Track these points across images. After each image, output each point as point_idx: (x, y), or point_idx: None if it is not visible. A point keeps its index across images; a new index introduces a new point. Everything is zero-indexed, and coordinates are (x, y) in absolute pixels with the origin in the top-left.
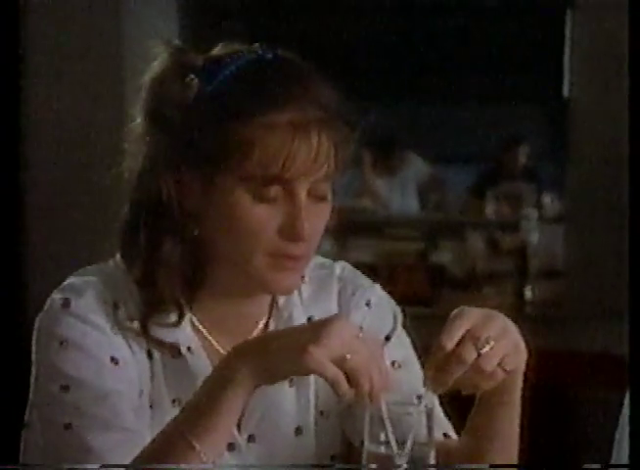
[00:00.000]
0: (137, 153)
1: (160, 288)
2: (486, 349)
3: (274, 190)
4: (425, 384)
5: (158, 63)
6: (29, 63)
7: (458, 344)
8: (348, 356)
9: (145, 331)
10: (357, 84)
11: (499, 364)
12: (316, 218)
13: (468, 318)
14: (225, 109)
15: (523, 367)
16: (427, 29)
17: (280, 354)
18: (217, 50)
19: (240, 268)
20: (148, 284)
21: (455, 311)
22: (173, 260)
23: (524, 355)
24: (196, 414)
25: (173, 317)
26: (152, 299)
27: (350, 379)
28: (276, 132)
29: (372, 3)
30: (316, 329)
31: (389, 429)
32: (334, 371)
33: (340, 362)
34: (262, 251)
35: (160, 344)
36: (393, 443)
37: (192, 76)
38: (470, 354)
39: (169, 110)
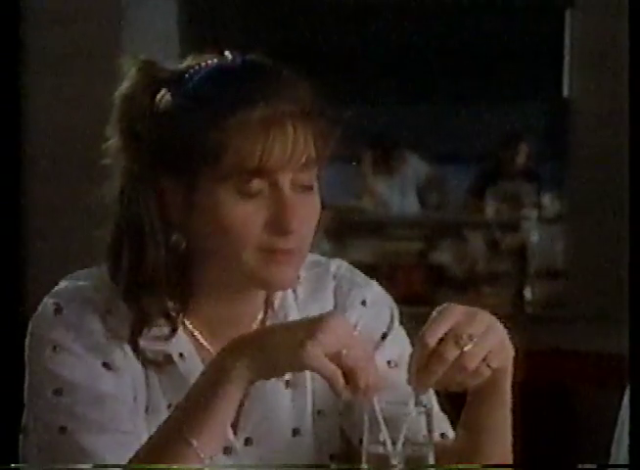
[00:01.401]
0: (116, 170)
1: (148, 305)
2: (469, 346)
3: (256, 185)
4: (409, 383)
5: (127, 78)
6: (29, 65)
7: (440, 342)
8: (345, 352)
9: (135, 347)
10: (357, 84)
11: (484, 361)
12: (304, 211)
13: (451, 315)
14: (197, 114)
15: (510, 364)
16: (426, 29)
17: (277, 350)
18: (187, 61)
19: (232, 267)
20: (135, 301)
21: (439, 308)
22: (160, 276)
23: (510, 352)
24: (192, 410)
25: (165, 330)
26: (140, 316)
27: (346, 375)
28: (250, 128)
29: (373, 3)
30: (312, 325)
31: (384, 429)
32: (331, 368)
33: (336, 358)
34: (252, 247)
35: (152, 353)
36: (389, 442)
37: (162, 90)
38: (451, 353)
39: (142, 124)
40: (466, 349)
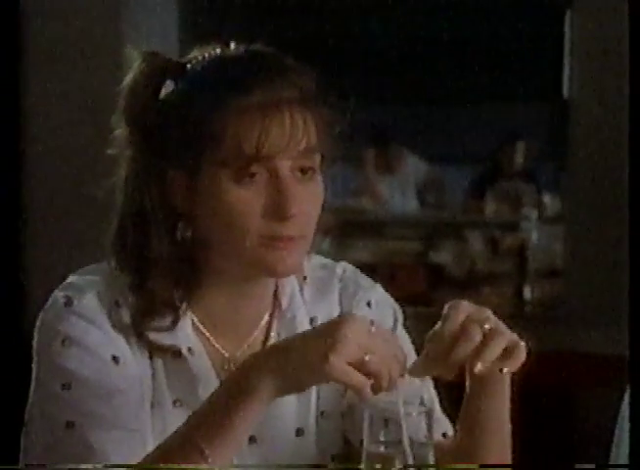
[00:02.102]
0: (122, 159)
1: (152, 293)
2: (489, 325)
3: (256, 171)
4: (411, 372)
5: (132, 70)
6: (29, 60)
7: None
8: (367, 358)
9: (141, 337)
10: (357, 83)
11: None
12: (304, 197)
13: (464, 307)
14: (200, 101)
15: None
16: (426, 29)
17: (300, 366)
18: (193, 53)
19: (235, 254)
20: (140, 290)
21: (448, 304)
22: (164, 263)
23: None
24: (211, 422)
25: (168, 321)
26: (144, 304)
27: (371, 377)
28: (248, 113)
29: (373, 3)
30: (331, 335)
31: (404, 428)
32: (357, 378)
33: (359, 365)
34: (252, 233)
35: (160, 347)
36: (406, 441)
37: (166, 80)
38: (477, 333)
39: (147, 113)
40: (487, 326)
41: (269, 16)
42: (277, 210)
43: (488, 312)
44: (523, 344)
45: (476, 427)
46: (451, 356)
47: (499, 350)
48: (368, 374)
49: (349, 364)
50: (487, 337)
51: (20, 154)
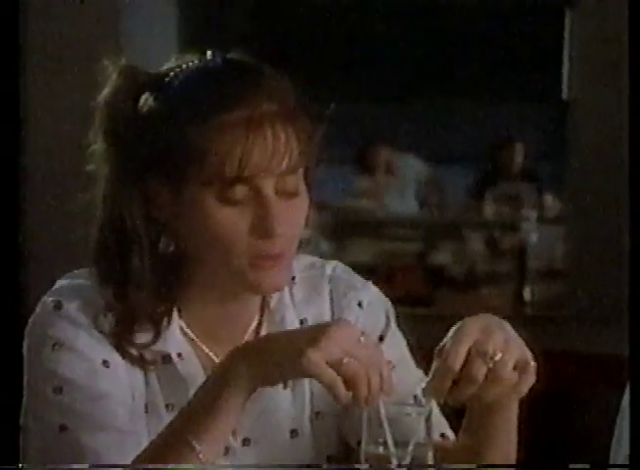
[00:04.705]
0: (100, 174)
1: (132, 308)
2: (497, 358)
3: (240, 190)
4: (424, 394)
5: (109, 83)
6: (28, 65)
7: (465, 362)
8: (346, 360)
9: (121, 349)
10: (356, 83)
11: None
12: (289, 214)
13: (469, 334)
14: (178, 117)
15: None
16: (426, 29)
17: (278, 357)
18: (169, 64)
19: (221, 272)
20: (120, 304)
21: (454, 328)
22: (146, 279)
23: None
24: (196, 415)
25: (149, 336)
26: (124, 319)
27: (348, 383)
28: (229, 131)
29: (373, 3)
30: (315, 332)
31: (387, 430)
32: (330, 375)
33: (337, 366)
34: (238, 253)
35: (149, 353)
36: (391, 443)
37: (144, 94)
38: (480, 372)
39: (125, 128)
40: (497, 358)
41: (268, 22)
42: (263, 229)
43: (495, 335)
44: (533, 363)
45: (482, 433)
46: (453, 394)
47: (500, 390)
48: (346, 378)
49: (328, 365)
50: (490, 378)
51: (19, 154)
